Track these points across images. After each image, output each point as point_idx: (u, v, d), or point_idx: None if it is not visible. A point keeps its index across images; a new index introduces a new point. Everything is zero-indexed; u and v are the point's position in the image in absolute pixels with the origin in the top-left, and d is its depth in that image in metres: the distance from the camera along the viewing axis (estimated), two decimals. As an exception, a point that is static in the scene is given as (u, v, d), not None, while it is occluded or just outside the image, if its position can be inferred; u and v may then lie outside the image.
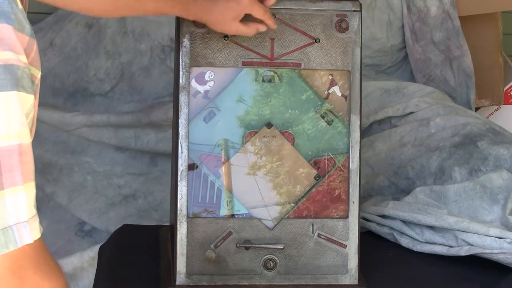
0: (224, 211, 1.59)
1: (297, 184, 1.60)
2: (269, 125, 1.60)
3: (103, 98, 2.57)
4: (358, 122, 1.61)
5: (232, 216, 1.59)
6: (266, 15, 1.54)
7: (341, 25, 1.60)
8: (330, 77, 1.61)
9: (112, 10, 1.52)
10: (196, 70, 1.58)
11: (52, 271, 1.07)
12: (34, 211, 1.03)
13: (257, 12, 1.53)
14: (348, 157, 1.61)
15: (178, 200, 1.58)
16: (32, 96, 1.04)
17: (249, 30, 1.54)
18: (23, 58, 1.01)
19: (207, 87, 1.58)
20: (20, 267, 1.02)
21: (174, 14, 1.55)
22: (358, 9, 1.61)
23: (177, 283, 1.58)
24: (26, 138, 1.02)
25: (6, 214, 0.99)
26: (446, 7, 2.59)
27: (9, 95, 0.99)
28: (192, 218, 1.58)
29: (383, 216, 1.88)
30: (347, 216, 1.62)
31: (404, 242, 1.82)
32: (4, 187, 0.99)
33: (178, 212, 1.58)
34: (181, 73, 1.58)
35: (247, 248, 1.59)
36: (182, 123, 1.57)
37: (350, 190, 1.61)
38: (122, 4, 1.49)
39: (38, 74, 1.06)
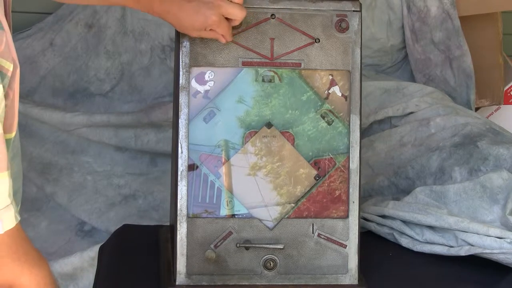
0: (224, 211, 1.59)
1: (297, 185, 1.60)
2: (269, 125, 1.60)
3: (103, 98, 2.58)
4: (358, 122, 1.61)
5: (232, 216, 1.59)
6: (228, 34, 1.54)
7: (341, 25, 1.60)
8: (330, 77, 1.61)
9: None
10: (196, 70, 1.58)
11: (33, 262, 1.06)
12: (7, 200, 1.02)
13: (222, 30, 1.53)
14: (348, 157, 1.61)
15: (178, 200, 1.58)
16: (0, 86, 1.03)
17: (211, 35, 1.54)
18: None
19: (207, 87, 1.58)
20: None
21: (137, 9, 1.56)
22: (358, 9, 1.61)
23: (177, 283, 1.58)
24: None
25: None
26: (446, 7, 2.59)
27: None
28: (192, 218, 1.58)
29: (383, 216, 1.88)
30: (347, 216, 1.62)
31: (404, 242, 1.82)
32: None
33: (178, 212, 1.58)
34: (181, 73, 1.58)
35: (247, 248, 1.59)
36: (182, 123, 1.58)
37: (350, 190, 1.62)
38: None
39: (10, 67, 1.05)
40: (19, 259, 1.05)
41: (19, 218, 1.04)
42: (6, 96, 1.06)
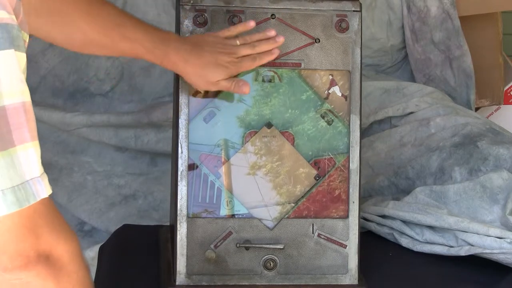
0: (224, 211, 1.59)
1: (297, 184, 1.60)
2: (269, 125, 1.60)
3: (103, 98, 2.57)
4: (358, 122, 1.61)
5: (232, 216, 1.59)
6: (255, 63, 1.54)
7: (341, 25, 1.60)
8: (330, 77, 1.61)
9: (80, 46, 1.52)
10: (196, 70, 1.58)
11: (65, 232, 1.08)
12: (42, 168, 1.04)
13: (248, 66, 1.54)
14: (348, 157, 1.61)
15: (178, 200, 1.58)
16: (25, 55, 1.04)
17: (231, 85, 1.54)
18: (14, 18, 1.01)
19: (207, 87, 1.58)
20: (35, 225, 1.03)
21: (152, 62, 1.54)
22: (358, 9, 1.61)
23: (177, 283, 1.58)
24: (27, 96, 1.03)
25: (22, 170, 1.00)
26: (446, 7, 2.59)
27: (8, 54, 0.99)
28: (192, 218, 1.58)
29: (383, 216, 1.88)
30: (347, 216, 1.62)
31: (404, 242, 1.82)
32: (15, 144, 0.99)
33: (178, 212, 1.58)
34: (181, 73, 1.58)
35: (247, 248, 1.59)
36: (182, 123, 1.57)
37: (350, 190, 1.62)
38: (90, 40, 1.48)
39: (26, 38, 1.06)
40: (55, 228, 1.06)
41: (51, 187, 1.05)
42: None
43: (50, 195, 1.04)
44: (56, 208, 1.07)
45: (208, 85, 1.53)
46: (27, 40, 1.06)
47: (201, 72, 1.51)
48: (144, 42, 1.50)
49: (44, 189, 1.02)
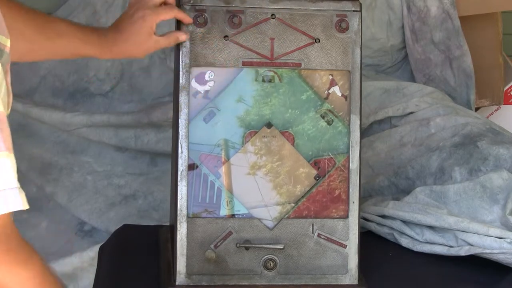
0: (224, 211, 1.59)
1: (297, 184, 1.60)
2: (269, 125, 1.60)
3: (103, 98, 2.58)
4: (358, 122, 1.61)
5: (232, 216, 1.59)
6: (173, 12, 1.54)
7: (341, 25, 1.60)
8: (330, 77, 1.61)
9: (26, 53, 1.49)
10: (196, 70, 1.58)
11: (26, 255, 1.02)
12: (17, 182, 1.00)
13: (166, 14, 1.53)
14: (348, 157, 1.61)
15: (178, 200, 1.58)
16: (3, 61, 1.01)
17: (168, 40, 1.55)
18: None
19: (207, 87, 1.58)
20: None
21: (89, 55, 1.54)
22: (358, 9, 1.61)
23: (177, 283, 1.58)
24: (0, 107, 1.00)
25: None
26: (446, 7, 2.59)
27: None
28: (192, 218, 1.58)
29: (383, 216, 1.88)
30: (347, 216, 1.62)
31: (404, 242, 1.82)
32: None
33: (178, 212, 1.58)
34: (181, 73, 1.58)
35: (247, 248, 1.59)
36: (182, 123, 1.58)
37: (350, 190, 1.62)
38: (37, 46, 1.47)
39: (7, 42, 1.03)
40: (12, 251, 1.00)
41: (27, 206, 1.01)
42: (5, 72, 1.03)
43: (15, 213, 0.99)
44: (15, 228, 1.01)
45: (146, 48, 1.53)
46: (8, 45, 1.03)
47: (130, 39, 1.52)
48: (78, 34, 1.50)
49: (20, 201, 0.98)
